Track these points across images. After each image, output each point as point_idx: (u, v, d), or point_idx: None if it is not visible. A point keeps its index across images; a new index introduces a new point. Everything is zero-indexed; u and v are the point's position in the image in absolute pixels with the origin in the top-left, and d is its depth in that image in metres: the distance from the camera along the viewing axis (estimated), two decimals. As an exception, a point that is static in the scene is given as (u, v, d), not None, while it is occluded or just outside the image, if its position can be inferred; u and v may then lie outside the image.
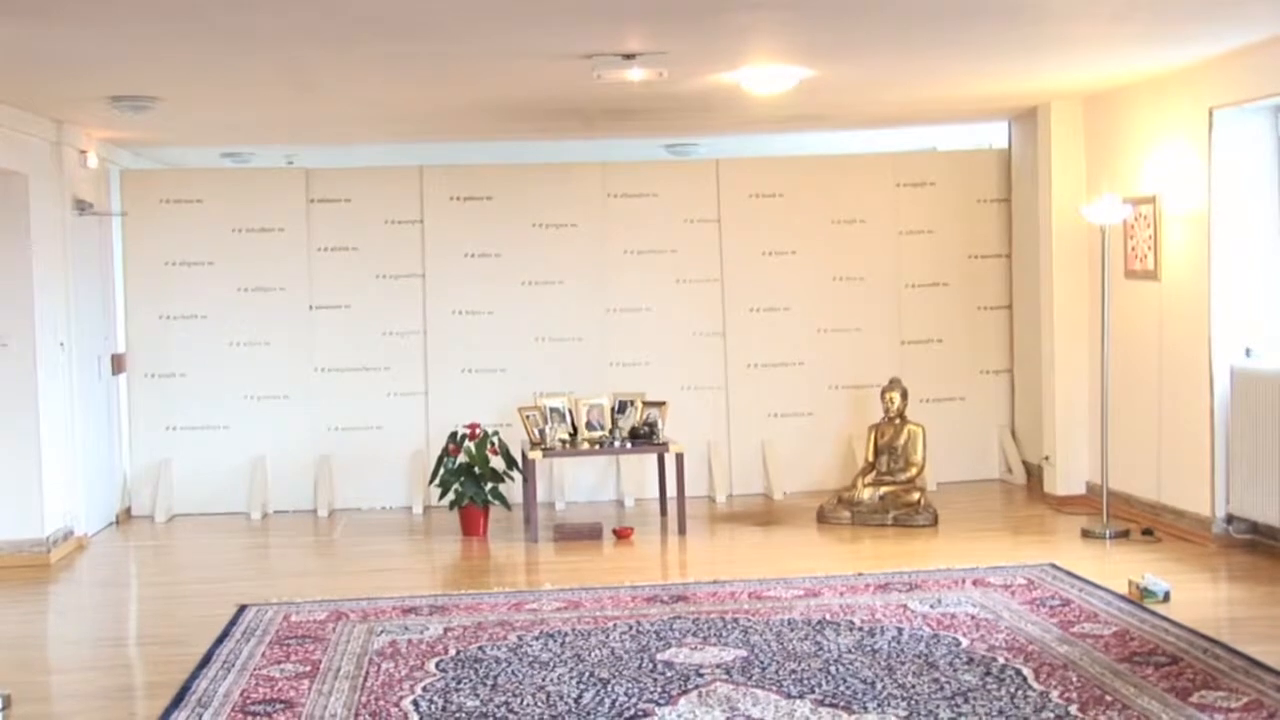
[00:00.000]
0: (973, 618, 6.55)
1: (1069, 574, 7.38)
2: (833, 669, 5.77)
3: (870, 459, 9.56)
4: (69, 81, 7.45)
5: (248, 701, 5.55)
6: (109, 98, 7.88)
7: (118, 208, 10.25)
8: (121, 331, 10.30)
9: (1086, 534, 8.49)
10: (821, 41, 6.91)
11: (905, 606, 6.81)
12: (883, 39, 6.93)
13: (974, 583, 7.28)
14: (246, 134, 10.29)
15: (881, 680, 5.59)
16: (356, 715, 5.33)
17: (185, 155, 11.56)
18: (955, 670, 5.71)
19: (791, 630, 6.40)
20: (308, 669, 5.99)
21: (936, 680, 5.57)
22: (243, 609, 7.11)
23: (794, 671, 5.74)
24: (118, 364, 10.14)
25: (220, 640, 6.50)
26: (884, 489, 9.29)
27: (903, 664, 5.82)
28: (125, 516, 10.16)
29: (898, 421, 9.56)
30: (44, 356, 8.65)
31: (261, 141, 10.90)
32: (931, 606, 6.80)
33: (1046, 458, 9.76)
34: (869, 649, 6.06)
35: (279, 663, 6.11)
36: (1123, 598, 6.81)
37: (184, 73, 7.24)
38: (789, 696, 5.40)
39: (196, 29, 6.09)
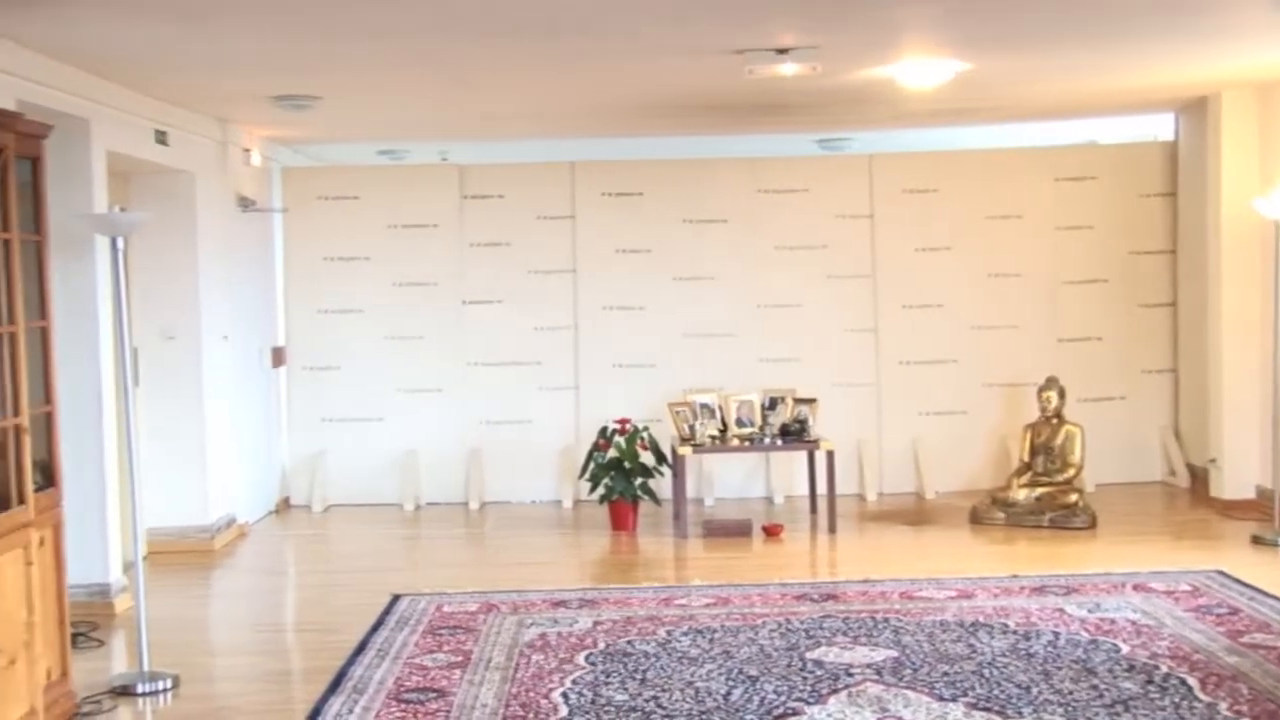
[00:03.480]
0: (1133, 624, 6.36)
1: (1237, 581, 7.12)
2: (986, 672, 5.65)
3: (1026, 459, 9.36)
4: (234, 82, 7.66)
5: (401, 689, 5.64)
6: (272, 97, 8.09)
7: (279, 204, 10.51)
8: (281, 325, 10.57)
9: (1257, 540, 8.18)
10: (979, 33, 6.77)
11: (1062, 610, 6.64)
12: (1042, 30, 6.76)
13: (1134, 587, 7.07)
14: (402, 131, 10.47)
15: (1037, 685, 5.46)
16: (507, 706, 5.38)
17: (342, 152, 11.80)
18: (1115, 677, 5.54)
19: (944, 632, 6.29)
20: (459, 659, 6.07)
21: (1095, 687, 5.42)
22: (396, 598, 7.23)
23: (946, 674, 5.63)
24: (277, 357, 10.40)
25: (375, 628, 6.62)
26: (1040, 490, 9.08)
27: (1059, 669, 5.67)
28: (284, 506, 10.42)
29: (1055, 421, 9.34)
30: (208, 350, 8.92)
31: (417, 138, 11.09)
32: (1089, 611, 6.61)
33: (1213, 460, 9.43)
34: (1024, 653, 5.92)
35: (431, 652, 6.20)
36: (1294, 607, 6.55)
37: (343, 72, 7.39)
38: (941, 699, 5.31)
39: (355, 29, 6.21)
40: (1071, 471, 9.20)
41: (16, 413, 5.13)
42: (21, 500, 5.12)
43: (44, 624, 5.24)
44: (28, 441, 5.16)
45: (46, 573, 5.31)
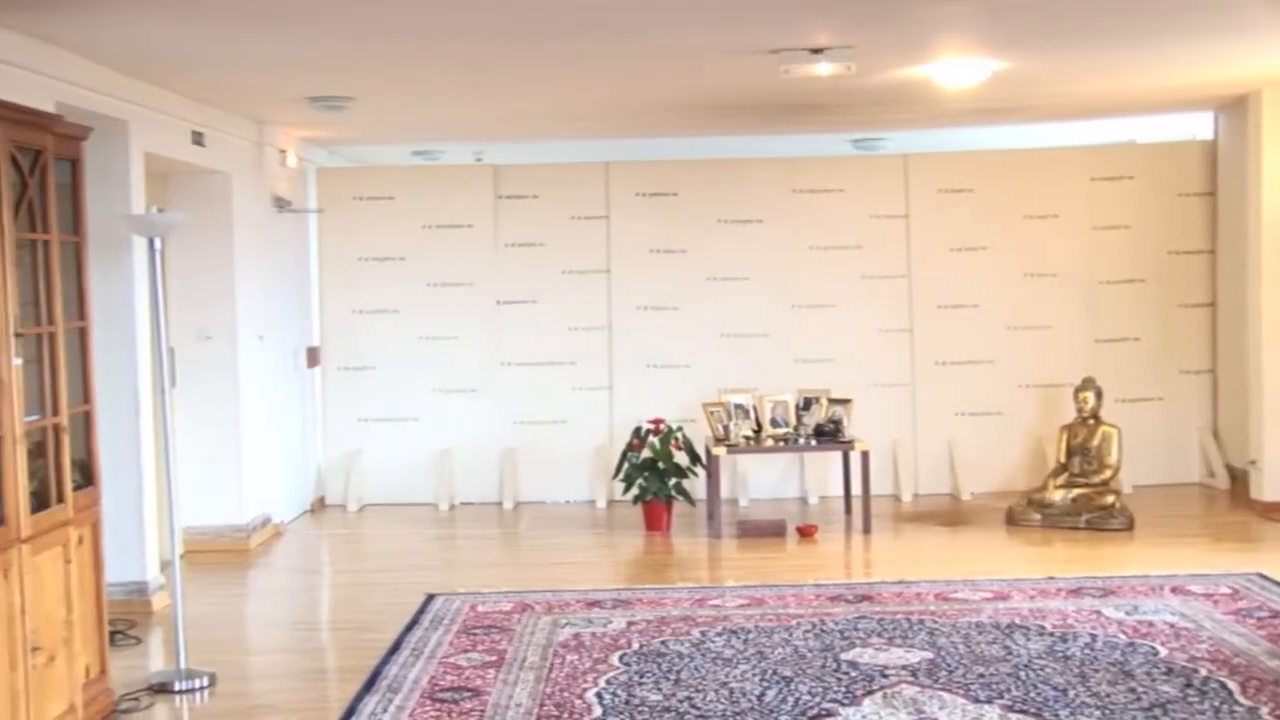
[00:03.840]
0: (1172, 626, 6.30)
1: (1278, 584, 7.05)
2: (1022, 674, 5.61)
3: (1062, 460, 9.30)
4: (269, 83, 7.70)
5: (436, 689, 5.65)
6: (307, 98, 8.12)
7: (314, 205, 10.56)
8: (316, 325, 10.61)
9: (1295, 542, 8.11)
10: (1016, 32, 6.73)
11: (1099, 612, 6.59)
12: (1080, 28, 6.71)
13: (1172, 590, 7.01)
14: (436, 131, 10.50)
15: (1074, 688, 5.42)
16: (541, 706, 5.38)
17: (377, 153, 11.84)
18: (1153, 680, 5.50)
19: (979, 633, 6.25)
20: (494, 658, 6.08)
21: (1133, 690, 5.38)
22: (431, 598, 7.24)
23: (982, 675, 5.60)
24: (312, 357, 10.44)
25: (409, 628, 6.63)
26: (1076, 491, 9.03)
27: (1096, 672, 5.63)
28: (319, 505, 10.46)
29: (1091, 422, 9.28)
30: (244, 349, 8.96)
31: (450, 139, 11.11)
32: (1127, 613, 6.56)
33: (1253, 461, 9.35)
34: (1060, 655, 5.88)
35: (466, 651, 6.21)
36: (1335, 610, 6.48)
37: (376, 72, 7.41)
38: (976, 701, 5.27)
39: (387, 29, 6.22)
40: (1108, 473, 9.14)
41: (56, 412, 5.17)
42: (60, 499, 5.16)
43: (83, 622, 5.28)
44: (66, 440, 5.20)
45: (85, 571, 5.35)
